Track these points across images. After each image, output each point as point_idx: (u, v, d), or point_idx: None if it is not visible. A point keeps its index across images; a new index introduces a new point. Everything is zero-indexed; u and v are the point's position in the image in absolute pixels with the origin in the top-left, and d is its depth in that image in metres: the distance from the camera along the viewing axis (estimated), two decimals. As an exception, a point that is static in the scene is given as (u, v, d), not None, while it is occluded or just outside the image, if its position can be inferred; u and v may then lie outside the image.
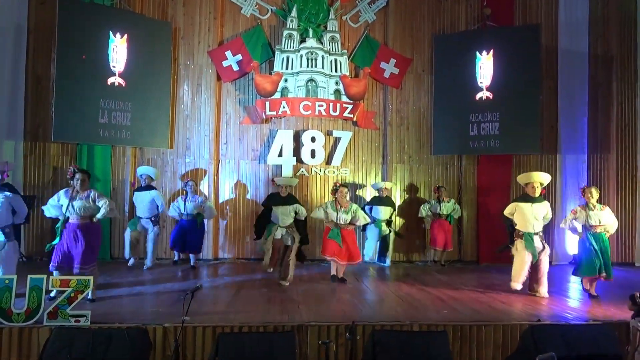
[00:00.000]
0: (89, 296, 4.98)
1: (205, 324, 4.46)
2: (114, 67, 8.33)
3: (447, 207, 8.51)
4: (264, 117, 8.90)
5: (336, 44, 9.04)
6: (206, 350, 4.30)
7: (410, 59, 9.23)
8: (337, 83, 9.02)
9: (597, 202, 6.18)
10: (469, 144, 8.95)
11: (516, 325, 4.67)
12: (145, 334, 3.95)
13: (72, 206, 5.29)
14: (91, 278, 4.47)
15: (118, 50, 8.36)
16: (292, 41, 8.95)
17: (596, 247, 6.03)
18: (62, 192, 5.49)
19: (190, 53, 9.00)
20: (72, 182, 5.41)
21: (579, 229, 6.27)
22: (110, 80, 8.29)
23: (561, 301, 5.91)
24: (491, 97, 8.78)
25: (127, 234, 7.77)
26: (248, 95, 9.04)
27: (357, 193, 9.17)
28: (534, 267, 6.11)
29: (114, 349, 3.69)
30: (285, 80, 8.92)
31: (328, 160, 8.99)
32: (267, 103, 8.82)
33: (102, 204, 5.42)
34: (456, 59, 9.01)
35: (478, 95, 8.86)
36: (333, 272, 6.91)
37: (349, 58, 9.10)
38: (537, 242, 6.11)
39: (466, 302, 5.73)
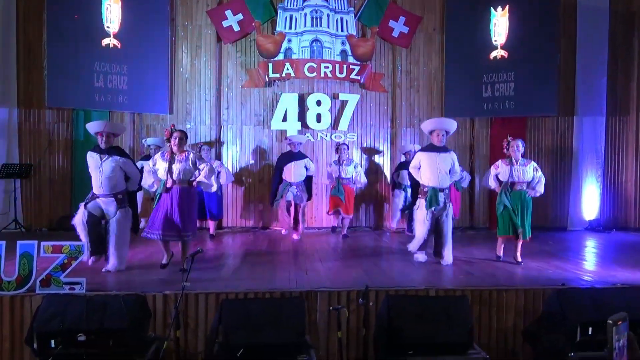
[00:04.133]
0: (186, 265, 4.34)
1: (208, 290, 4.20)
2: (108, 27, 7.91)
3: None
4: (267, 80, 8.49)
5: (342, 1, 8.56)
6: (209, 318, 4.04)
7: (420, 16, 8.74)
8: (343, 43, 8.58)
9: (522, 157, 5.60)
10: (482, 106, 8.54)
11: (539, 290, 4.38)
12: (143, 301, 3.68)
13: (171, 170, 4.95)
14: (84, 243, 4.19)
15: (112, 9, 7.94)
16: (296, -2, 8.48)
17: (512, 205, 5.49)
18: (157, 155, 5.18)
19: (188, 13, 8.55)
20: (169, 143, 5.05)
21: (493, 185, 5.71)
22: (105, 41, 7.89)
23: (579, 266, 5.62)
24: (506, 56, 8.32)
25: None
26: (250, 57, 8.62)
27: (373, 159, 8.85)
28: (437, 230, 5.49)
29: (110, 317, 3.42)
30: (289, 41, 8.48)
31: (334, 125, 8.62)
32: (270, 65, 8.40)
33: (203, 167, 5.09)
34: (469, 16, 8.54)
35: (492, 55, 8.40)
36: (334, 223, 7.96)
37: (355, 16, 8.63)
38: (442, 199, 5.40)
39: (482, 267, 5.44)
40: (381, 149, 8.81)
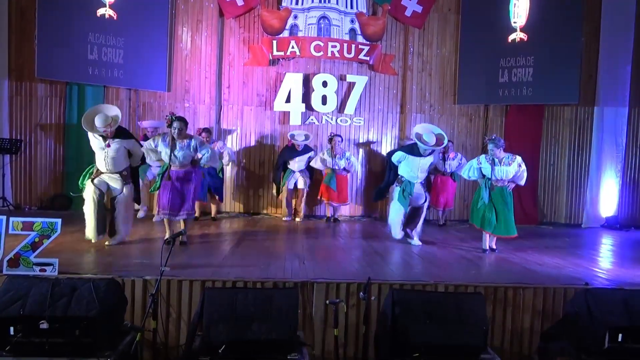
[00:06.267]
0: (184, 239, 5.14)
1: (193, 277, 3.80)
2: (103, -4, 7.47)
3: (453, 164, 7.58)
4: (271, 58, 8.03)
5: (353, -23, 8.07)
6: (194, 307, 3.65)
7: (435, -5, 8.24)
8: (352, 21, 8.10)
9: (504, 154, 5.44)
10: (497, 92, 8.06)
11: (560, 289, 3.95)
12: (116, 286, 3.28)
13: (175, 156, 5.11)
14: (58, 221, 3.78)
15: (108, -22, 7.48)
16: (303, -28, 8.00)
17: (488, 202, 5.39)
18: (159, 138, 5.23)
19: (189, -16, 8.09)
20: (170, 129, 5.12)
21: (473, 177, 5.60)
22: (100, 11, 7.46)
23: (599, 264, 5.17)
24: (525, 38, 7.81)
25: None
26: (253, 33, 8.15)
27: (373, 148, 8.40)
28: (412, 213, 5.82)
29: (77, 303, 3.02)
30: (295, 17, 8.03)
31: (340, 108, 8.17)
32: (274, 42, 7.94)
33: (204, 152, 5.23)
34: (488, -5, 8.02)
35: (511, 37, 7.89)
36: (328, 214, 7.83)
37: (366, -7, 8.15)
38: (419, 189, 5.72)
39: (496, 262, 5.02)
40: (389, 134, 8.35)
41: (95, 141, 5.04)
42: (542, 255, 5.42)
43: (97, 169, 5.10)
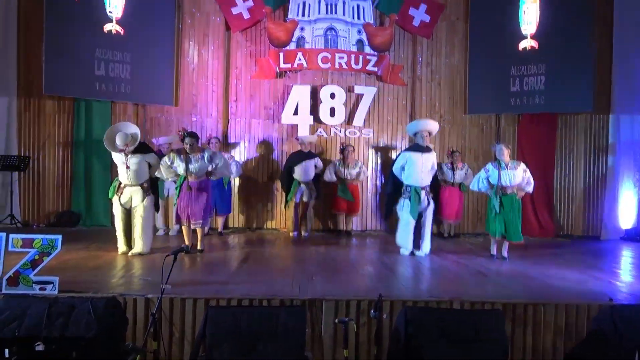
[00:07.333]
0: (199, 247, 5.67)
1: (197, 295, 3.66)
2: (110, 12, 7.47)
3: (461, 174, 7.43)
4: (278, 71, 7.96)
5: (359, -13, 8.01)
6: (198, 327, 3.48)
7: (443, 4, 8.15)
8: (359, 32, 8.02)
9: (509, 159, 5.70)
10: (509, 101, 7.89)
11: (583, 305, 3.73)
12: (117, 305, 3.15)
13: (189, 168, 5.50)
14: (59, 237, 3.67)
15: (115, -7, 7.49)
16: (309, -16, 7.96)
17: (500, 210, 5.58)
18: (174, 155, 5.61)
19: (196, 0, 8.07)
20: (183, 144, 5.56)
21: (483, 188, 5.79)
22: (107, 27, 7.45)
23: (622, 279, 4.92)
24: (536, 46, 7.64)
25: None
26: (260, 46, 8.10)
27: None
28: (418, 224, 5.77)
29: (75, 323, 2.90)
30: (302, 29, 7.96)
31: (349, 120, 8.05)
32: (281, 54, 7.88)
33: (218, 161, 5.66)
34: (496, 3, 7.93)
35: (521, 45, 7.74)
36: (341, 227, 7.73)
37: (373, 4, 8.08)
38: (423, 196, 5.73)
39: (514, 276, 4.81)
40: (399, 146, 8.20)
41: (117, 156, 5.42)
42: (561, 269, 5.20)
43: (120, 182, 5.47)
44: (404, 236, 5.75)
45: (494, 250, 5.80)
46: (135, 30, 7.64)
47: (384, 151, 8.24)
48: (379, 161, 8.22)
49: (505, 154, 5.63)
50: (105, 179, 7.60)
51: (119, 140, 5.27)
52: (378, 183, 8.22)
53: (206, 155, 5.58)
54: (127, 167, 5.31)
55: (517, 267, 5.31)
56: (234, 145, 8.12)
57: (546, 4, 7.60)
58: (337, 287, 4.10)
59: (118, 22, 7.52)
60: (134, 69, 7.70)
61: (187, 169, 5.48)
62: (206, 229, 7.07)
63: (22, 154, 7.81)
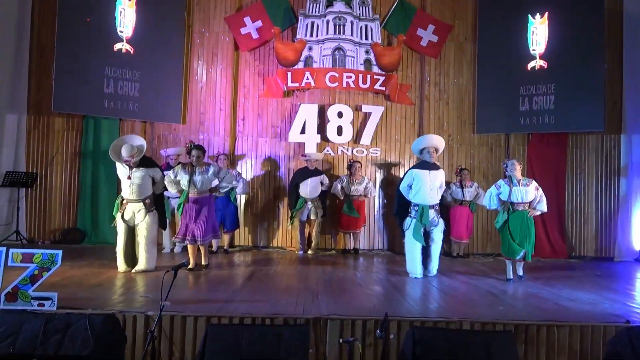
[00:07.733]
0: (207, 261, 5.67)
1: (198, 313, 3.56)
2: (121, 32, 7.59)
3: (471, 192, 7.34)
4: (285, 90, 7.98)
5: (367, 8, 8.06)
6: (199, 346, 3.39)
7: (451, 25, 8.16)
8: (367, 52, 8.04)
9: (521, 176, 5.62)
10: (518, 121, 7.82)
11: (598, 326, 3.59)
12: (115, 322, 3.07)
13: (193, 182, 5.42)
14: (59, 252, 3.62)
15: (126, 13, 7.62)
16: (318, 5, 8.02)
17: (512, 228, 5.46)
18: (179, 168, 5.58)
19: (205, 19, 8.18)
20: (189, 157, 5.55)
21: (494, 205, 5.68)
22: (117, 46, 7.55)
23: (635, 300, 4.76)
24: (545, 66, 7.62)
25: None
26: (268, 65, 8.14)
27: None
28: (426, 242, 5.59)
29: (71, 340, 2.82)
30: (310, 49, 8.00)
31: (356, 139, 8.01)
32: (289, 74, 7.90)
33: (223, 175, 5.70)
34: (504, 24, 7.91)
35: (530, 65, 7.71)
36: (348, 245, 7.65)
37: (381, 24, 8.11)
38: (433, 215, 5.53)
39: (526, 297, 4.66)
40: (407, 165, 8.12)
41: (122, 170, 5.38)
42: (574, 290, 5.05)
43: (123, 198, 5.42)
44: (412, 262, 5.54)
45: (510, 274, 5.54)
46: (144, 49, 7.73)
47: (391, 170, 8.16)
48: (386, 180, 8.14)
49: (517, 169, 5.52)
50: (111, 196, 7.57)
51: (124, 152, 5.23)
52: (386, 201, 8.11)
53: (211, 169, 5.55)
54: (129, 179, 5.25)
55: (529, 288, 5.16)
56: (241, 162, 8.10)
57: (555, 25, 7.60)
58: (343, 306, 3.99)
59: (128, 41, 7.62)
60: (143, 87, 7.76)
61: (190, 181, 5.40)
62: (214, 245, 7.05)
63: (30, 171, 7.84)
